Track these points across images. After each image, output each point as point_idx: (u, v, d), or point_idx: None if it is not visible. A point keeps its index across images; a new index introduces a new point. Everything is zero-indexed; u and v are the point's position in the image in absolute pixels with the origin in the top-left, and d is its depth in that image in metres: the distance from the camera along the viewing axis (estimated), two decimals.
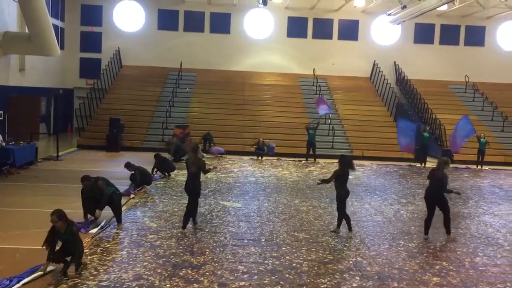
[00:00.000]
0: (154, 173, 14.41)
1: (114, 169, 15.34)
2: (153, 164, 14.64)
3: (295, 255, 7.93)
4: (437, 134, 22.91)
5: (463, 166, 19.82)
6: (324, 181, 9.57)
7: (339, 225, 9.43)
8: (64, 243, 6.74)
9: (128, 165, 12.81)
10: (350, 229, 9.34)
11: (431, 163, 20.60)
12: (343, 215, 9.35)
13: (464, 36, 29.36)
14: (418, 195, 13.64)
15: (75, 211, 9.77)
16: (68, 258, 6.78)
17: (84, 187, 9.23)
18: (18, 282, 6.32)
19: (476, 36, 29.33)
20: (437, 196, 9.10)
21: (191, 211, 9.13)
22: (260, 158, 19.84)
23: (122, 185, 12.45)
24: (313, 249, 8.27)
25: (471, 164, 20.23)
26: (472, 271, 7.58)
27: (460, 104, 26.49)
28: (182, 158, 18.42)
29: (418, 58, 28.72)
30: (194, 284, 6.55)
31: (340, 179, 9.26)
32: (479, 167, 20.10)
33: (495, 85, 28.11)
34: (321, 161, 19.72)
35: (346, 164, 9.31)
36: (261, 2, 25.64)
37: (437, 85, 28.00)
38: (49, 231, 6.77)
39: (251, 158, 19.71)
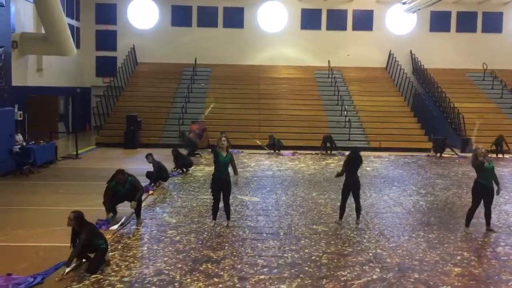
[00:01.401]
0: (173, 169, 14.51)
1: (132, 166, 15.44)
2: (171, 160, 14.73)
3: (314, 248, 7.93)
4: (456, 123, 22.59)
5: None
6: (339, 174, 9.62)
7: (358, 215, 9.52)
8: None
9: (148, 156, 12.96)
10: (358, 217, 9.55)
11: (448, 154, 20.39)
12: (359, 203, 9.49)
13: (481, 23, 28.84)
14: (437, 185, 13.52)
15: (95, 209, 9.92)
16: (92, 255, 6.89)
17: (118, 181, 9.21)
18: (42, 279, 6.43)
19: (493, 23, 28.78)
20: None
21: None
22: (275, 151, 19.75)
23: (141, 182, 12.57)
24: (332, 242, 8.26)
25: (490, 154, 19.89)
26: (494, 261, 7.50)
27: (478, 92, 26.11)
28: (197, 153, 18.55)
29: (435, 46, 28.31)
30: (215, 278, 6.59)
31: (351, 168, 9.35)
32: (500, 155, 19.81)
33: None
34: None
35: (356, 155, 9.44)
36: None
37: (455, 74, 27.62)
38: (72, 231, 6.92)
39: (269, 152, 19.69)
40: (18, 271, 6.68)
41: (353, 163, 9.41)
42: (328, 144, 19.94)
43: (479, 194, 8.92)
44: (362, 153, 9.89)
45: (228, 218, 9.15)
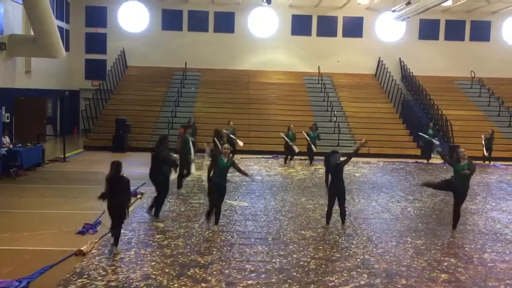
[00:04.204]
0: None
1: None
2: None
3: (303, 253, 7.93)
4: (443, 130, 22.76)
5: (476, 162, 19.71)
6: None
7: (343, 221, 9.62)
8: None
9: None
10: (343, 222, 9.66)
11: (437, 159, 20.55)
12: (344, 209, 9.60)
13: (469, 31, 29.17)
14: (424, 192, 13.59)
15: (81, 212, 9.87)
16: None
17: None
18: (27, 283, 6.35)
19: (481, 31, 29.14)
20: None
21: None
22: (289, 160, 18.60)
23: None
24: (320, 247, 8.27)
25: (478, 160, 20.10)
26: (480, 267, 7.55)
27: (466, 100, 26.38)
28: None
29: (423, 54, 28.58)
30: (202, 284, 6.56)
31: (333, 172, 9.47)
32: (487, 162, 20.01)
33: (501, 80, 27.96)
34: None
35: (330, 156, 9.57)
36: (265, 0, 25.61)
37: (443, 81, 27.89)
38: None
39: (283, 163, 18.48)
40: (4, 275, 6.60)
41: (331, 165, 9.47)
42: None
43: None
44: (351, 160, 9.91)
45: (216, 222, 9.15)
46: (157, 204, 9.76)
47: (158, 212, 9.78)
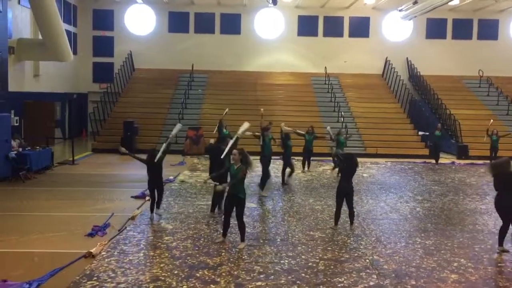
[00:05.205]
0: None
1: (129, 171, 15.49)
2: (167, 167, 14.68)
3: (311, 254, 7.91)
4: (452, 130, 22.65)
5: (481, 162, 19.61)
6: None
7: (351, 221, 9.63)
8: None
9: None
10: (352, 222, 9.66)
11: (446, 159, 20.47)
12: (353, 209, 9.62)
13: (477, 30, 29.03)
14: (433, 192, 13.54)
15: (90, 215, 9.92)
16: None
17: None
18: (37, 286, 6.39)
19: (489, 30, 28.98)
20: None
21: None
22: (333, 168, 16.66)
23: (136, 187, 12.56)
24: (329, 248, 8.25)
25: (486, 160, 19.97)
26: (490, 268, 7.49)
27: (474, 99, 26.23)
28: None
29: (431, 53, 28.47)
30: (211, 285, 6.56)
31: (345, 173, 9.52)
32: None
33: (510, 79, 27.76)
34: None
35: (350, 162, 9.50)
36: (271, 1, 25.63)
37: (451, 80, 27.75)
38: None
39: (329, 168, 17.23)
40: (14, 277, 6.63)
41: (347, 169, 9.48)
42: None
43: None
44: (358, 159, 9.86)
45: (241, 239, 8.30)
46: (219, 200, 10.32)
47: (215, 207, 10.48)
